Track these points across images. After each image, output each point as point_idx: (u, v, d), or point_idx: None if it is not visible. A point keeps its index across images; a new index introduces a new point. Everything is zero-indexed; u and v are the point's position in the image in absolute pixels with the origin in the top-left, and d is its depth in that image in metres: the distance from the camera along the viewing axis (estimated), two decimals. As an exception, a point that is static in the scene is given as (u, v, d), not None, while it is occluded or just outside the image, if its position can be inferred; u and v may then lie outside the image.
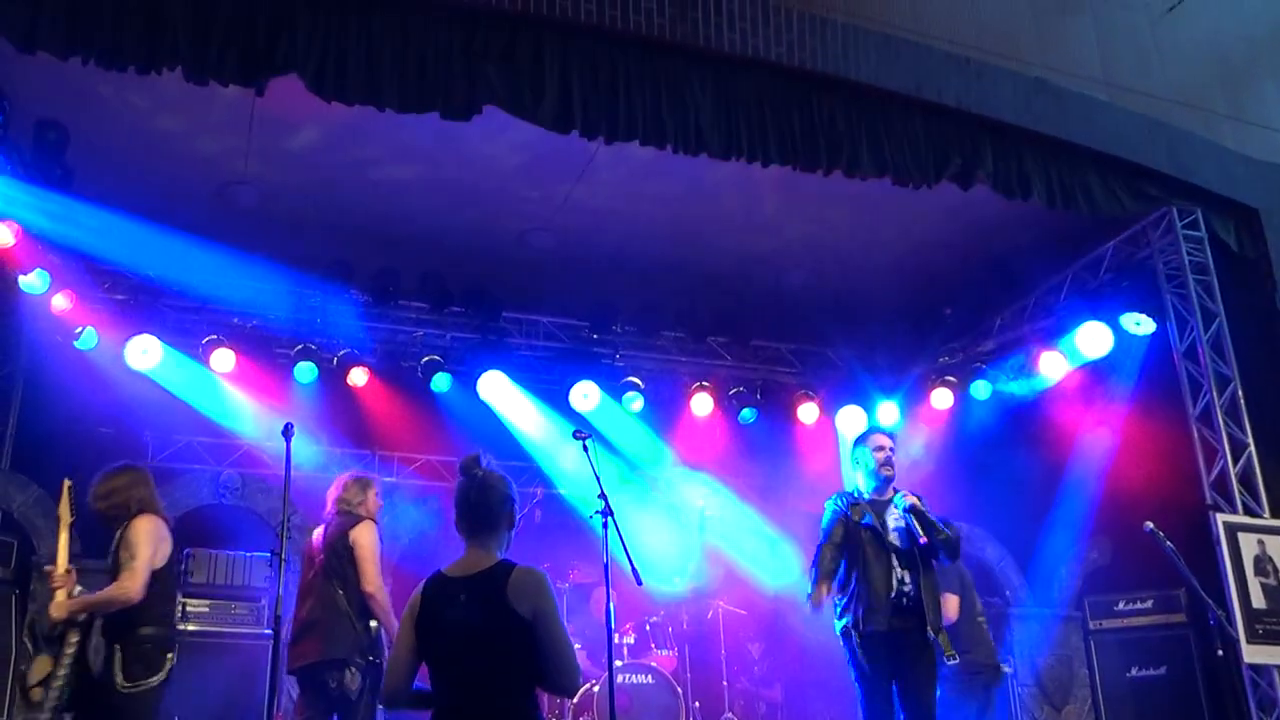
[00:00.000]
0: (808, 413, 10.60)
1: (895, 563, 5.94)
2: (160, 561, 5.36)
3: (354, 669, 5.80)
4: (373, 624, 5.96)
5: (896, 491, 6.10)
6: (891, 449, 6.24)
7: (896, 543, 5.98)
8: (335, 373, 9.51)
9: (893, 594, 5.85)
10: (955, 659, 5.86)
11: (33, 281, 8.05)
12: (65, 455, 8.44)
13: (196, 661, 7.69)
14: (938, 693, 5.86)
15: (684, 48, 7.12)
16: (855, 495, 6.20)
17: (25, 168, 7.31)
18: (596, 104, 6.89)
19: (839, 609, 6.00)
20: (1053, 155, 8.09)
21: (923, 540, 5.84)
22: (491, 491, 3.70)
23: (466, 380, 9.76)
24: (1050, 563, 9.90)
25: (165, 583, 5.44)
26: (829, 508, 6.17)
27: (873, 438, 6.30)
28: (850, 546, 6.00)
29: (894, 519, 6.03)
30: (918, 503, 5.95)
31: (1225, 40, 9.85)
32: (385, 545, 6.44)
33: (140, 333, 8.76)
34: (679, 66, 7.15)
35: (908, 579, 5.91)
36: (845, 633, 5.90)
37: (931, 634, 5.79)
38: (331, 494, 6.42)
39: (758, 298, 10.11)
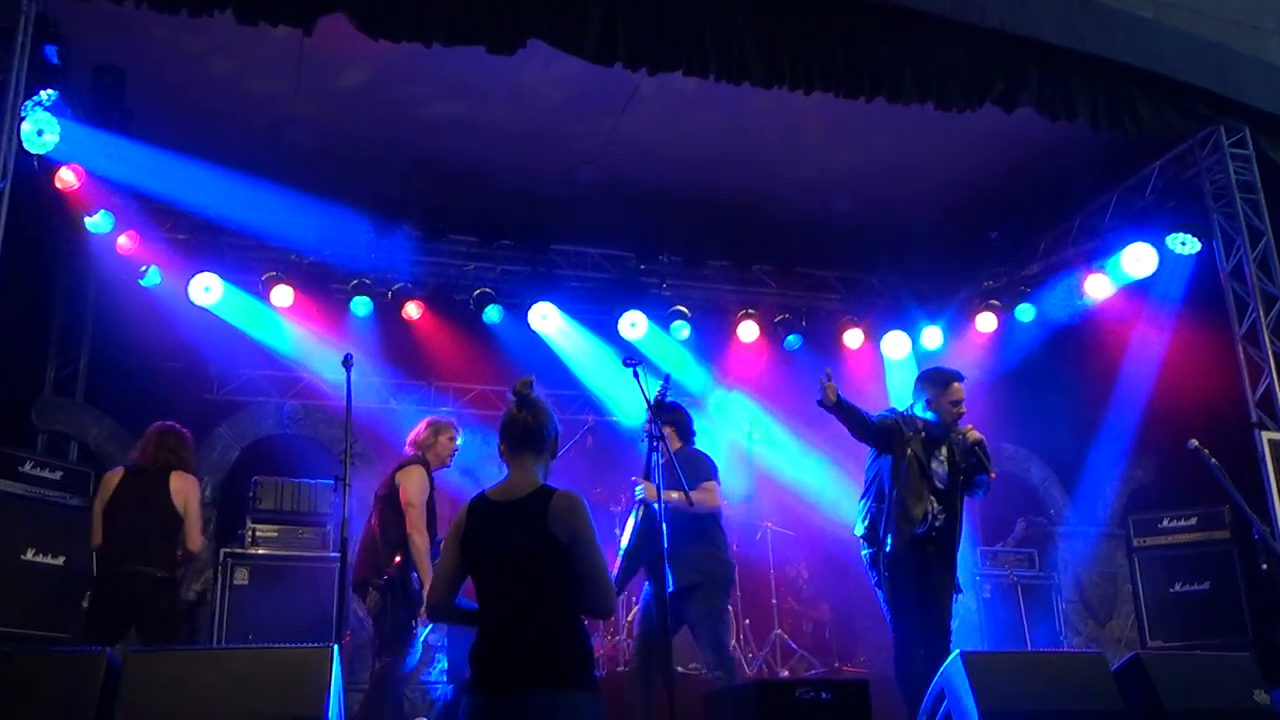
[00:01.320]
0: (852, 338, 10.61)
1: (932, 494, 6.01)
2: None
3: (375, 589, 5.99)
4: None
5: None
6: (962, 399, 6.20)
7: (937, 479, 6.06)
8: (390, 306, 9.64)
9: (924, 522, 5.93)
10: (960, 592, 6.07)
11: (97, 222, 8.19)
12: (135, 389, 8.70)
13: (267, 583, 7.96)
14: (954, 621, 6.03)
15: (725, -24, 7.04)
16: (912, 417, 6.20)
17: (86, 111, 7.38)
18: (639, 35, 6.85)
19: (869, 516, 6.11)
20: (1098, 75, 7.93)
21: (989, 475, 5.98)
22: (540, 415, 3.74)
23: (517, 312, 9.86)
24: (1095, 482, 9.89)
25: None
26: (883, 414, 6.21)
27: (953, 388, 6.21)
28: (893, 459, 6.07)
29: (940, 461, 6.10)
30: (982, 440, 5.99)
31: (1273, -46, 9.54)
32: (441, 471, 6.55)
33: (202, 270, 8.90)
34: (721, -5, 7.09)
35: (941, 512, 5.98)
36: (883, 547, 5.97)
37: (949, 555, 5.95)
38: (409, 435, 6.59)
39: (802, 226, 10.07)
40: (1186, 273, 8.86)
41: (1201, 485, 8.29)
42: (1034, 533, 9.75)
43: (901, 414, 6.24)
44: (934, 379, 6.30)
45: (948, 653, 5.49)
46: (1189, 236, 8.66)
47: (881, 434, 6.12)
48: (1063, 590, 9.42)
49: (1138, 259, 8.89)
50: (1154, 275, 8.95)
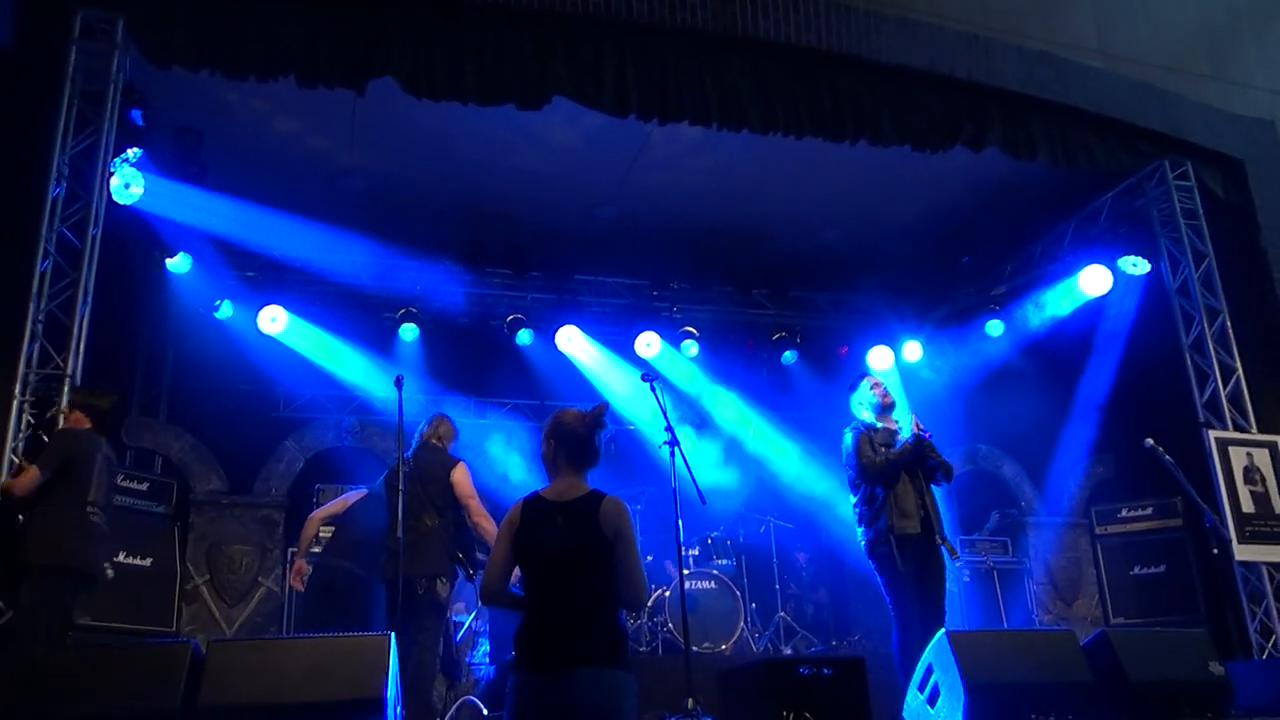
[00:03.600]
0: (841, 353, 10.59)
1: (915, 488, 5.99)
2: None
3: (444, 579, 5.92)
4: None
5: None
6: (879, 384, 6.31)
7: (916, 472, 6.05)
8: (433, 331, 9.66)
9: (918, 513, 5.90)
10: (959, 558, 6.03)
11: (177, 263, 8.25)
12: (212, 409, 8.74)
13: (330, 580, 7.92)
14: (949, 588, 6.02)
15: (724, 37, 7.08)
16: (868, 426, 6.23)
17: (167, 166, 7.44)
18: (650, 90, 6.89)
19: (868, 518, 6.03)
20: (1056, 119, 7.96)
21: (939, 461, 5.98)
22: (600, 436, 3.77)
23: (546, 334, 9.87)
24: (1060, 477, 9.83)
25: None
26: (850, 435, 6.19)
27: (866, 380, 6.38)
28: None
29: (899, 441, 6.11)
30: (919, 434, 5.98)
31: (1209, 7, 9.55)
32: (481, 475, 6.57)
33: (269, 303, 8.93)
34: (720, 54, 7.13)
35: (924, 502, 5.97)
36: (880, 538, 5.90)
37: (939, 541, 5.89)
38: (438, 430, 6.47)
39: (795, 254, 10.07)
40: (1138, 291, 8.85)
41: (1155, 479, 8.28)
42: (1007, 523, 9.70)
43: (863, 426, 6.24)
44: (856, 390, 6.39)
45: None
46: (1139, 259, 8.67)
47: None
48: (1034, 574, 9.36)
49: (1094, 279, 8.88)
50: (1109, 294, 8.94)
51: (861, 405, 6.31)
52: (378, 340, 9.47)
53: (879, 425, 6.21)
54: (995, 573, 8.88)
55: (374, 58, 6.40)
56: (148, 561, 6.92)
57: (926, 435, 5.99)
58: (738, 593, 8.26)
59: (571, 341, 9.90)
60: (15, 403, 5.54)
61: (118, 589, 6.59)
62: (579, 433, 3.75)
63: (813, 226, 9.61)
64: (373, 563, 5.98)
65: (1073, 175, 8.45)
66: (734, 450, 10.28)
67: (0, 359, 5.57)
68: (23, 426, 5.60)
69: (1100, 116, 8.09)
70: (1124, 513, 9.15)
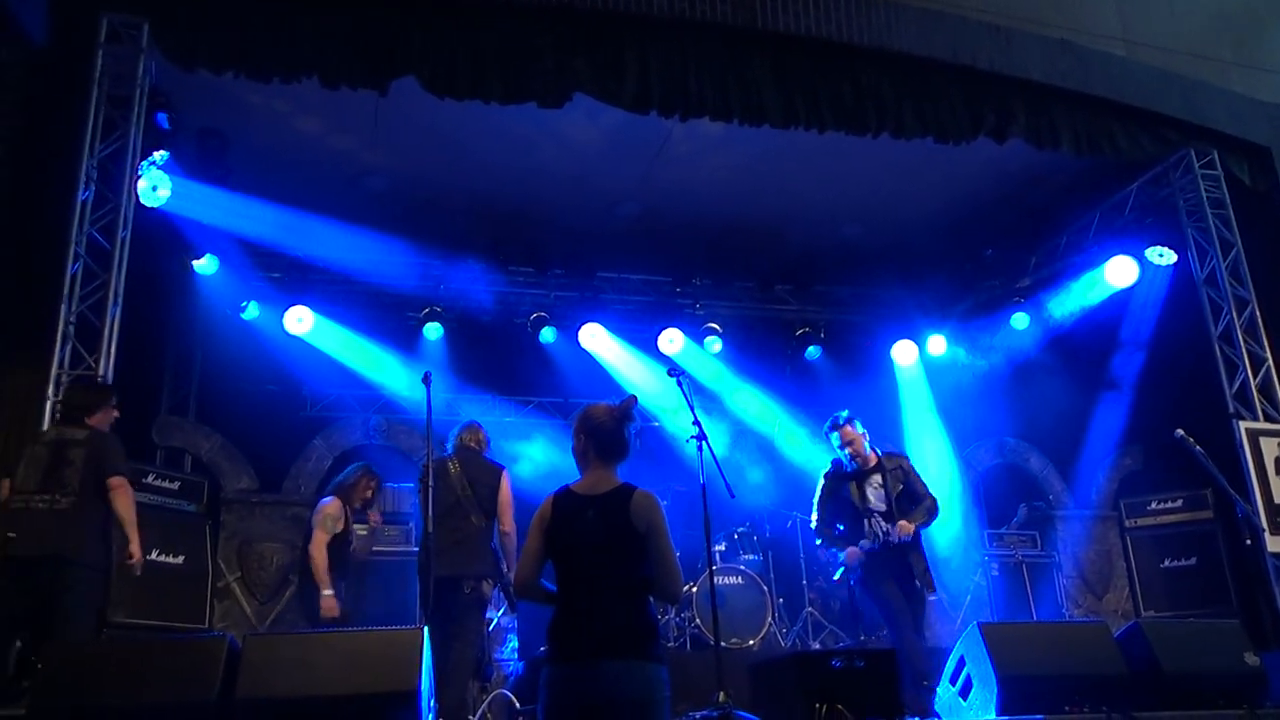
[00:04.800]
0: (866, 347, 10.54)
1: (869, 517, 6.39)
2: None
3: (490, 580, 6.00)
4: None
5: (879, 457, 6.58)
6: (853, 439, 6.54)
7: (877, 505, 6.43)
8: (458, 329, 9.69)
9: (873, 541, 6.29)
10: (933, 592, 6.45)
11: (204, 264, 8.31)
12: (240, 408, 8.80)
13: (360, 574, 7.99)
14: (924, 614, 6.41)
15: (744, 32, 7.07)
16: (839, 467, 6.61)
17: (193, 168, 7.49)
18: (670, 86, 6.89)
19: (833, 550, 6.55)
20: (1079, 108, 7.90)
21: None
22: (631, 430, 3.78)
23: (569, 332, 9.87)
24: (1088, 470, 9.76)
25: None
26: (819, 480, 6.70)
27: (841, 431, 6.59)
28: (837, 505, 6.55)
29: (874, 488, 6.48)
30: (894, 540, 6.26)
31: (1232, -8, 9.48)
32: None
33: (295, 303, 8.99)
34: (740, 49, 7.12)
35: (888, 529, 6.29)
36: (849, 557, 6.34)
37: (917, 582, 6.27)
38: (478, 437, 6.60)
39: (818, 248, 10.03)
40: (1165, 282, 8.78)
41: (1185, 471, 8.21)
42: (1035, 516, 9.62)
43: (834, 466, 6.63)
44: (831, 427, 6.65)
45: (914, 642, 5.95)
46: (1166, 249, 8.60)
47: (833, 500, 6.63)
48: (1063, 567, 9.29)
49: (1120, 271, 8.82)
50: (1135, 285, 8.87)
51: (834, 448, 6.63)
52: (403, 339, 9.51)
53: (848, 469, 6.58)
54: (1024, 566, 8.81)
55: (395, 58, 6.44)
56: (180, 559, 6.97)
57: (903, 540, 6.26)
58: (765, 588, 8.24)
59: (595, 338, 9.90)
60: (49, 403, 5.60)
61: (151, 586, 6.65)
62: (608, 426, 3.75)
63: (835, 220, 9.58)
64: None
65: (1097, 165, 8.39)
66: (760, 446, 10.26)
67: (33, 360, 5.65)
68: (56, 427, 5.65)
69: (1124, 105, 8.03)
70: (1154, 505, 9.07)
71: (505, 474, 6.22)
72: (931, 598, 6.42)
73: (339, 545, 6.46)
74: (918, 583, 6.26)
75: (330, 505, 6.52)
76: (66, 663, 4.07)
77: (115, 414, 5.45)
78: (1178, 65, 8.53)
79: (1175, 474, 8.73)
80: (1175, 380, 8.74)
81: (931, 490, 6.55)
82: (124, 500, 5.13)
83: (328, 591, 6.19)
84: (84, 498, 5.04)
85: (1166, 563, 8.84)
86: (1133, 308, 9.12)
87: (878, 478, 6.50)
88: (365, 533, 7.42)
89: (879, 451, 6.64)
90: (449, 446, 6.33)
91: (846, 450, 6.51)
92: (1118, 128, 8.05)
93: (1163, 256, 8.60)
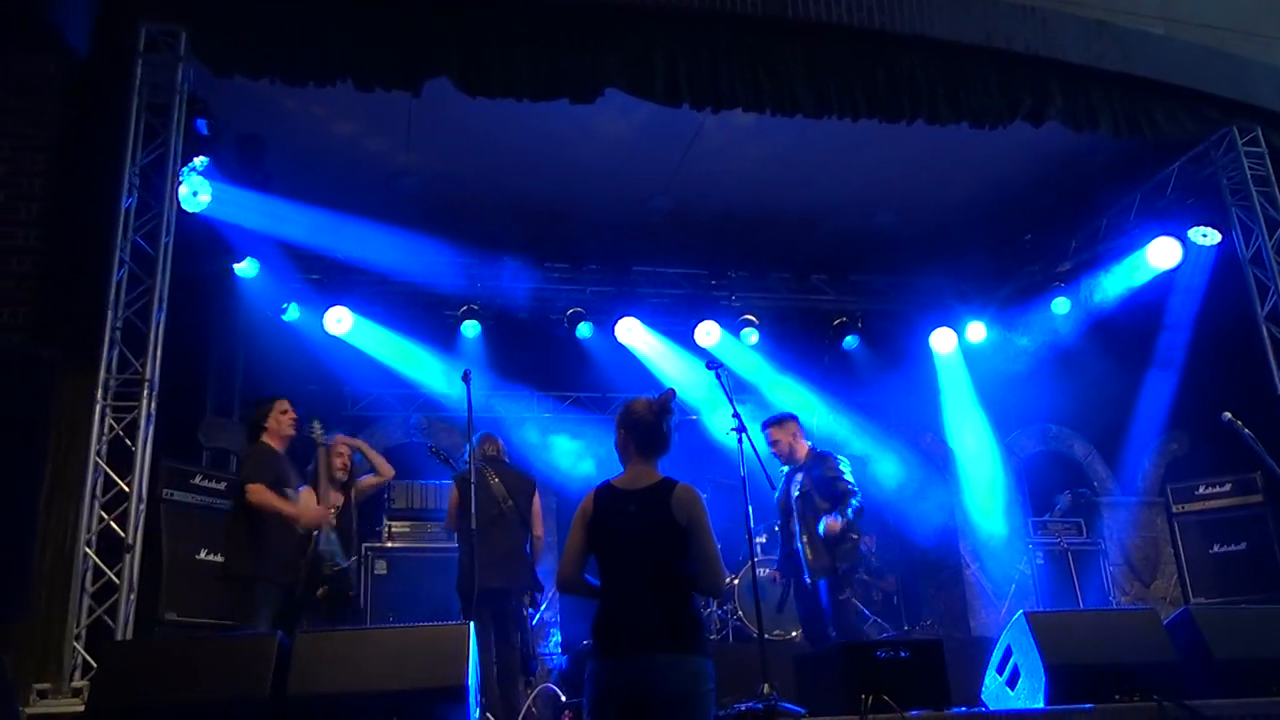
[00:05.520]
0: (904, 336, 10.47)
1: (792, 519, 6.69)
2: None
3: (534, 594, 6.19)
4: None
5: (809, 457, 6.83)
6: (777, 440, 6.83)
7: (794, 506, 6.71)
8: (495, 327, 9.75)
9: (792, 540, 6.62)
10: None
11: (245, 268, 8.43)
12: (283, 409, 8.88)
13: (401, 571, 8.09)
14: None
15: (775, 21, 7.02)
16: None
17: (232, 173, 7.58)
18: (702, 79, 6.87)
19: (850, 554, 6.73)
20: (1117, 88, 7.76)
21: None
22: (670, 423, 3.80)
23: (605, 327, 9.91)
24: (1134, 455, 9.65)
25: None
26: (849, 463, 6.94)
27: (767, 431, 6.88)
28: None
29: (796, 487, 6.73)
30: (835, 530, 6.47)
31: (1276, -35, 9.26)
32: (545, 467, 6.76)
33: (335, 304, 9.09)
34: (771, 39, 7.07)
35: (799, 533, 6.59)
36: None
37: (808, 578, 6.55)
38: (486, 447, 6.79)
39: (853, 237, 9.96)
40: (1209, 262, 8.63)
41: (1233, 455, 8.07)
42: (1079, 503, 9.53)
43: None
44: (761, 427, 6.91)
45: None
46: (1209, 229, 8.44)
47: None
48: (1109, 555, 9.20)
49: (1163, 252, 8.68)
50: (1178, 266, 8.73)
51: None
52: (441, 337, 9.59)
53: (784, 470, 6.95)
54: (1069, 554, 8.73)
55: (428, 58, 6.48)
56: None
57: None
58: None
59: (631, 333, 9.92)
60: (98, 407, 5.71)
61: (200, 585, 6.76)
62: (647, 420, 3.77)
63: (870, 208, 9.50)
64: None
65: (1137, 146, 8.25)
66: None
67: (82, 365, 5.74)
68: (105, 430, 5.76)
69: (1163, 84, 7.88)
70: (1201, 490, 8.94)
71: (535, 484, 6.57)
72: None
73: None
74: (807, 579, 6.58)
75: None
76: (122, 661, 4.17)
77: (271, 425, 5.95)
78: (1220, 41, 8.35)
79: (1223, 458, 8.60)
80: (1221, 362, 8.60)
81: (851, 487, 6.69)
82: (260, 504, 5.59)
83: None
84: (232, 511, 5.44)
85: (1216, 548, 8.72)
86: (1176, 290, 8.98)
87: (799, 476, 6.76)
88: (408, 529, 7.50)
89: (816, 450, 6.91)
90: (466, 457, 6.39)
91: (771, 450, 6.79)
92: (1157, 107, 7.91)
93: (1206, 236, 8.45)
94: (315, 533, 5.95)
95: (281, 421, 6.25)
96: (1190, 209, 8.55)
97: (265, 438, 6.15)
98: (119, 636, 5.26)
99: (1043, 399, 9.97)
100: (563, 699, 5.99)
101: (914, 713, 4.41)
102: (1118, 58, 7.76)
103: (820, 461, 6.75)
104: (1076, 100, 7.63)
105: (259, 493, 5.76)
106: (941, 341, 10.33)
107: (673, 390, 3.85)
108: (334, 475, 6.58)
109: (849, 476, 6.66)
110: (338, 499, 6.50)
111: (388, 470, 6.90)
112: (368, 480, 6.97)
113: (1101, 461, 9.85)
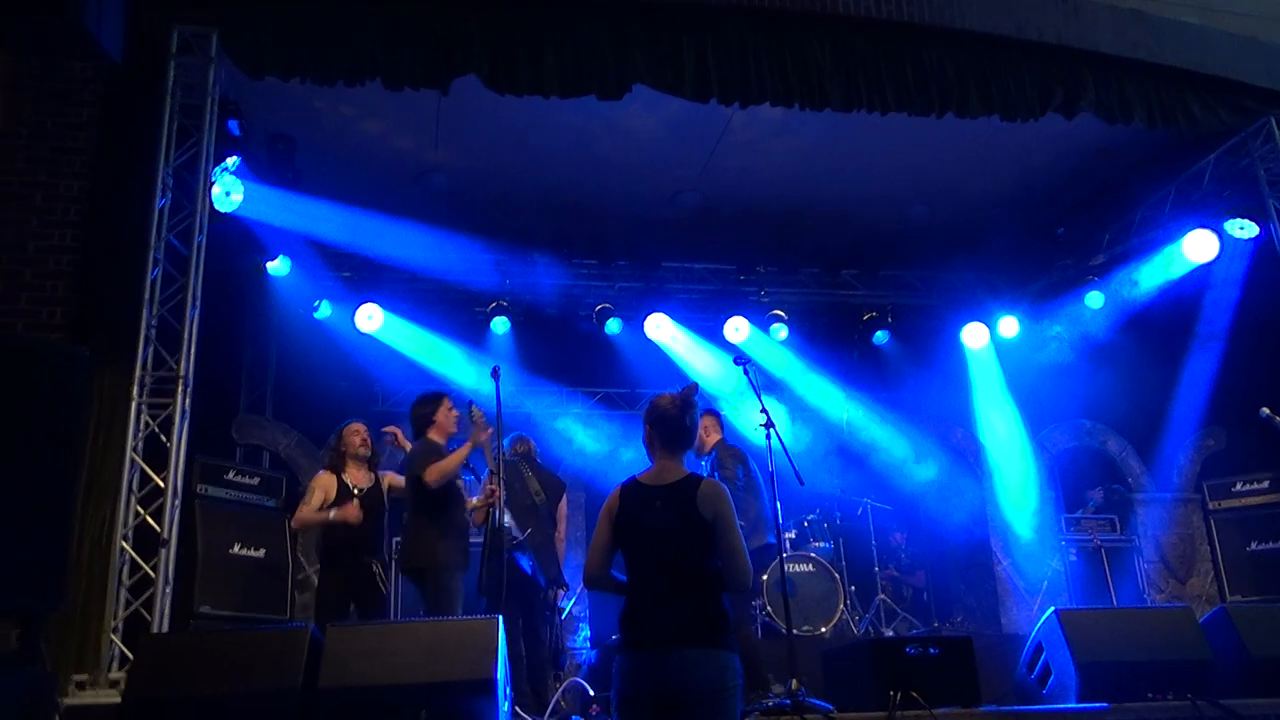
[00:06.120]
0: (934, 331, 10.40)
1: None
2: None
3: (561, 587, 6.28)
4: None
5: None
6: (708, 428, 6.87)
7: None
8: (524, 323, 9.80)
9: None
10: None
11: (277, 266, 8.52)
12: (314, 405, 9.01)
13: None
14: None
15: (803, 15, 7.00)
16: None
17: (263, 173, 7.66)
18: (730, 74, 6.85)
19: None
20: (1151, 79, 7.66)
21: None
22: (695, 418, 3.80)
23: (634, 323, 9.92)
24: (1169, 451, 9.53)
25: None
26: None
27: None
28: None
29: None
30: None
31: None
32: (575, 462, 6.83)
33: (366, 301, 9.17)
34: (800, 33, 7.04)
35: None
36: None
37: None
38: (518, 447, 6.93)
39: (883, 231, 9.91)
40: (1245, 255, 8.51)
41: (1270, 451, 7.97)
42: (1113, 500, 9.43)
43: None
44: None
45: None
46: (1246, 221, 8.31)
47: None
48: (1144, 552, 9.10)
49: (1198, 245, 8.55)
50: (1214, 260, 8.60)
51: None
52: (470, 333, 9.66)
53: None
54: (1103, 551, 8.65)
55: (456, 56, 6.51)
56: (261, 552, 7.17)
57: None
58: (836, 575, 8.21)
59: (660, 329, 9.93)
60: (134, 404, 5.80)
61: (235, 579, 6.87)
62: (670, 415, 3.78)
63: (900, 203, 9.45)
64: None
65: (1172, 137, 8.14)
66: (828, 433, 10.22)
67: (118, 363, 5.83)
68: (141, 426, 5.86)
69: (1199, 74, 7.76)
70: (1238, 486, 8.83)
71: (565, 488, 6.75)
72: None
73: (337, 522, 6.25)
74: None
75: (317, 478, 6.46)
76: (159, 653, 4.24)
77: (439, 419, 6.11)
78: (1257, 30, 8.22)
79: (1260, 454, 8.49)
80: (1258, 356, 8.48)
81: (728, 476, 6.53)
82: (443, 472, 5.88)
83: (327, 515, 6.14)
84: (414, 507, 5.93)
85: (1253, 546, 8.61)
86: (1212, 283, 8.86)
87: (703, 463, 6.80)
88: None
89: (725, 443, 6.88)
90: (496, 453, 6.43)
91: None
92: (1193, 98, 7.79)
93: (1243, 229, 8.32)
94: (492, 509, 6.04)
95: (449, 418, 6.33)
96: (1227, 201, 8.43)
97: (431, 433, 6.22)
98: (155, 629, 5.35)
99: (1076, 394, 9.88)
100: (591, 693, 6.02)
101: (943, 710, 4.39)
102: (1152, 48, 7.66)
103: (721, 455, 6.72)
104: (1110, 91, 7.54)
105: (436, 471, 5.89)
106: (973, 336, 10.26)
107: (695, 384, 3.85)
108: (357, 453, 6.52)
109: (730, 473, 6.50)
110: (366, 479, 6.48)
111: None
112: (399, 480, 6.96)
113: (1136, 457, 9.74)
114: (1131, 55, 7.59)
